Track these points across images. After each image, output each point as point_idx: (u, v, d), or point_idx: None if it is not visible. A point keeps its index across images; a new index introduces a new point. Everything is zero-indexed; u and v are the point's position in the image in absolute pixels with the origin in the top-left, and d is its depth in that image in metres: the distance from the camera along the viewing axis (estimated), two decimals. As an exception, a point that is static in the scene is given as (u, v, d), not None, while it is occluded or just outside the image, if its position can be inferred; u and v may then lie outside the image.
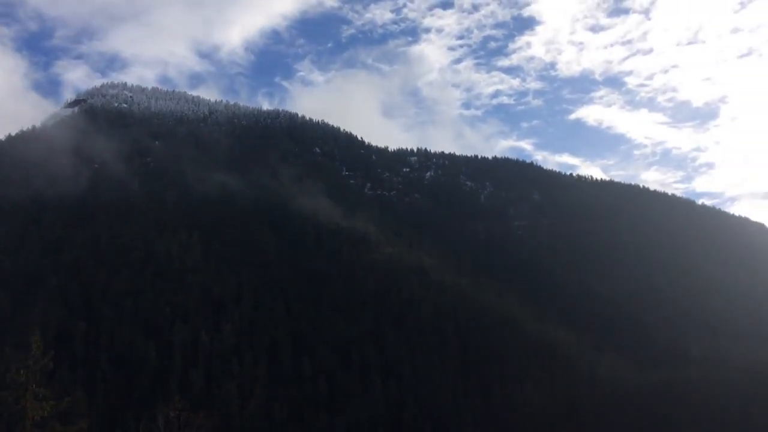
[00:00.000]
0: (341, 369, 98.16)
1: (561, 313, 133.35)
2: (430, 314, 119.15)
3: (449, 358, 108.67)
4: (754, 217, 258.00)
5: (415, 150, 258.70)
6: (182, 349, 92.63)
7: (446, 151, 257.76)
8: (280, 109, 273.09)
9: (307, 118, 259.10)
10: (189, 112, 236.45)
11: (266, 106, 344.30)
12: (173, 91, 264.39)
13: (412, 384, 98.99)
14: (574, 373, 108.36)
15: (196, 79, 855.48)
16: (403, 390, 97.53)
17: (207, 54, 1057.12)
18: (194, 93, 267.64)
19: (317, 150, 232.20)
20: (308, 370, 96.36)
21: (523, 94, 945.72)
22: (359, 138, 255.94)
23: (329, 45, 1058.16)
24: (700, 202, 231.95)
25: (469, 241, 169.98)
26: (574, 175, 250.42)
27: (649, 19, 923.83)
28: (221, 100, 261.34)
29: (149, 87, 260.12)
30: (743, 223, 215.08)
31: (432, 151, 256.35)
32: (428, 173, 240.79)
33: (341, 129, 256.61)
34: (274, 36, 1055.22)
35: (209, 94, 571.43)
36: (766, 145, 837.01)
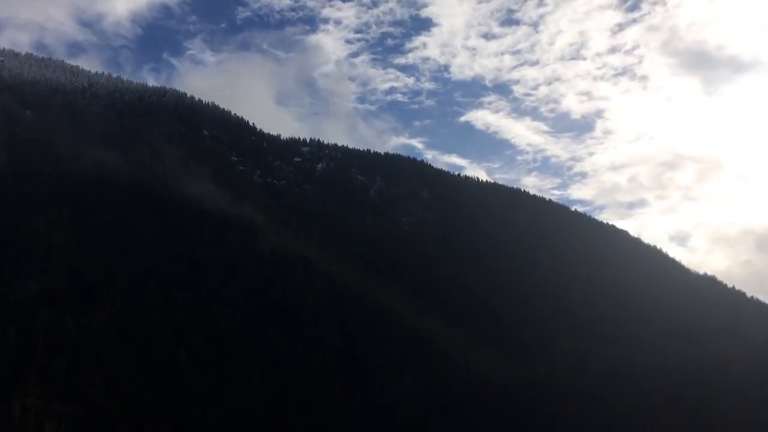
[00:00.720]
0: (219, 359, 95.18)
1: (442, 308, 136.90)
2: (313, 306, 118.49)
3: (331, 350, 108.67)
4: (620, 225, 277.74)
5: (307, 140, 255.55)
6: (45, 335, 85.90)
7: (339, 144, 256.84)
8: (168, 87, 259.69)
9: (196, 99, 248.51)
10: (66, 82, 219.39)
11: (152, 82, 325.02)
12: (49, 58, 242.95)
13: (292, 376, 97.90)
14: (451, 367, 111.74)
15: (75, 48, 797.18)
16: (283, 382, 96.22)
17: (89, 22, 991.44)
18: (73, 62, 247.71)
19: (205, 133, 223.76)
20: (184, 360, 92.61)
21: (417, 93, 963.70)
22: (251, 123, 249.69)
23: (223, 25, 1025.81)
24: (573, 208, 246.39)
25: (357, 235, 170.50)
26: (462, 175, 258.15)
27: (537, 32, 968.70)
28: (103, 72, 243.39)
29: (23, 52, 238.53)
30: (610, 229, 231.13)
31: (325, 143, 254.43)
32: (320, 164, 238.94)
33: (232, 113, 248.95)
34: (163, 10, 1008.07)
35: (90, 65, 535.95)
36: (633, 159, 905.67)
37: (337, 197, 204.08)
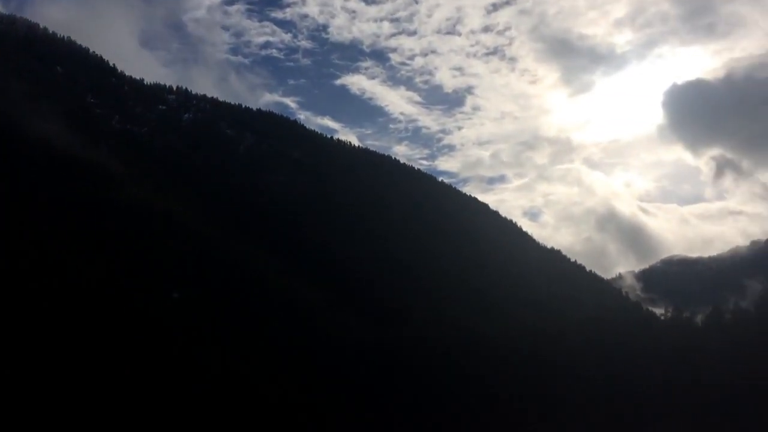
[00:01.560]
0: (69, 317, 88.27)
1: (306, 270, 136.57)
2: (172, 263, 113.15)
3: (188, 308, 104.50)
4: (481, 198, 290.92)
5: (174, 88, 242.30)
6: None
7: (208, 95, 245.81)
8: (18, 16, 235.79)
9: (50, 31, 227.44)
10: None
11: (0, 9, 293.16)
12: None
13: (149, 337, 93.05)
14: (315, 329, 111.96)
15: None
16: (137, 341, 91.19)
17: None
18: None
19: (59, 69, 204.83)
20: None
21: (293, 50, 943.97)
22: (111, 64, 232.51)
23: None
24: (440, 179, 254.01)
25: (223, 191, 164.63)
26: (334, 138, 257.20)
27: (417, 3, 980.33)
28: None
29: None
30: (472, 202, 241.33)
31: (193, 92, 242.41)
32: (186, 115, 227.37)
33: (90, 50, 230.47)
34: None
35: None
36: (497, 136, 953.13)
37: (204, 151, 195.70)
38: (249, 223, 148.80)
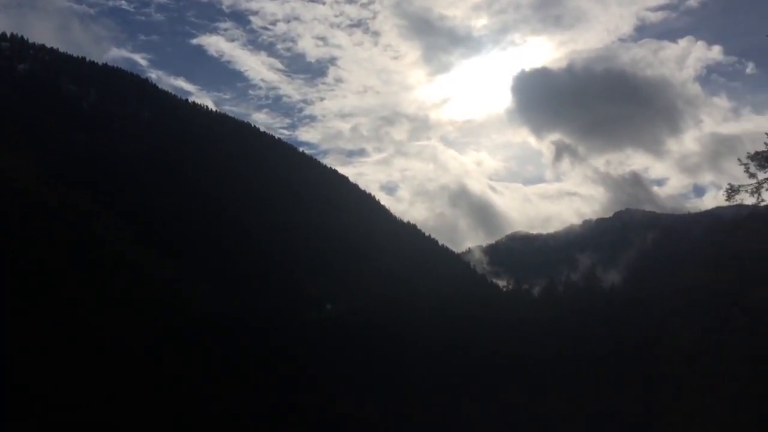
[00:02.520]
0: None
1: (157, 238, 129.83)
2: (3, 230, 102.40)
3: (24, 276, 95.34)
4: (341, 170, 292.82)
5: (8, 35, 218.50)
6: None
7: (48, 45, 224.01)
8: None
9: None
10: None
11: None
12: None
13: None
14: (163, 299, 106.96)
15: None
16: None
17: None
18: None
19: None
20: None
21: (145, 3, 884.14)
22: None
23: None
24: (300, 149, 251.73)
25: (63, 150, 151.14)
26: (189, 101, 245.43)
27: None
28: None
29: None
30: (332, 174, 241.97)
31: (30, 41, 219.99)
32: (22, 65, 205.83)
33: None
34: None
35: None
36: (358, 110, 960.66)
37: (42, 106, 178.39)
38: (94, 187, 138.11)
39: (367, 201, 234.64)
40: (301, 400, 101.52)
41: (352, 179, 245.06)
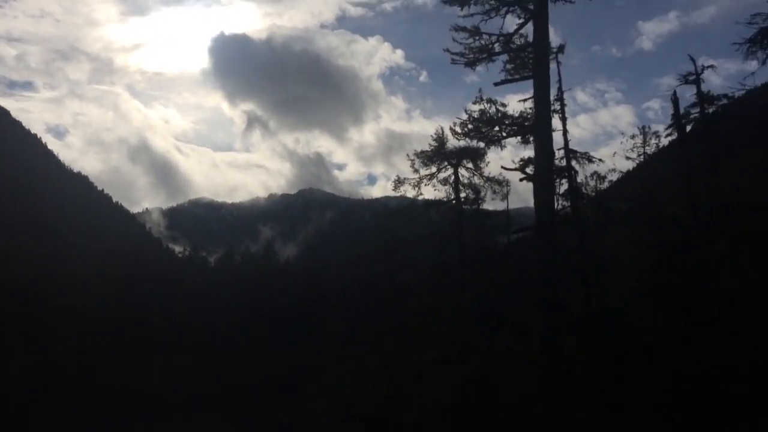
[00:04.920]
0: None
1: None
2: None
3: None
4: (2, 102, 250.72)
5: None
6: None
7: None
8: None
9: None
10: None
11: None
12: None
13: None
14: None
15: None
16: None
17: None
18: None
19: None
20: None
21: None
22: None
23: None
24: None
25: None
26: None
27: None
28: None
29: None
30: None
31: None
32: None
33: None
34: None
35: None
36: (30, 36, 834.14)
37: None
38: None
39: (32, 142, 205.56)
40: None
41: (14, 115, 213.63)
